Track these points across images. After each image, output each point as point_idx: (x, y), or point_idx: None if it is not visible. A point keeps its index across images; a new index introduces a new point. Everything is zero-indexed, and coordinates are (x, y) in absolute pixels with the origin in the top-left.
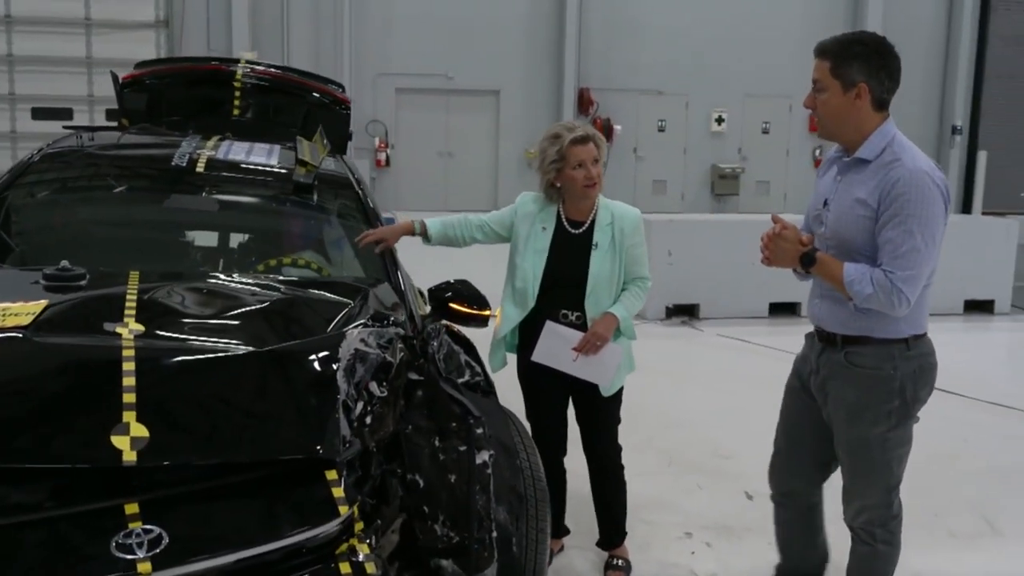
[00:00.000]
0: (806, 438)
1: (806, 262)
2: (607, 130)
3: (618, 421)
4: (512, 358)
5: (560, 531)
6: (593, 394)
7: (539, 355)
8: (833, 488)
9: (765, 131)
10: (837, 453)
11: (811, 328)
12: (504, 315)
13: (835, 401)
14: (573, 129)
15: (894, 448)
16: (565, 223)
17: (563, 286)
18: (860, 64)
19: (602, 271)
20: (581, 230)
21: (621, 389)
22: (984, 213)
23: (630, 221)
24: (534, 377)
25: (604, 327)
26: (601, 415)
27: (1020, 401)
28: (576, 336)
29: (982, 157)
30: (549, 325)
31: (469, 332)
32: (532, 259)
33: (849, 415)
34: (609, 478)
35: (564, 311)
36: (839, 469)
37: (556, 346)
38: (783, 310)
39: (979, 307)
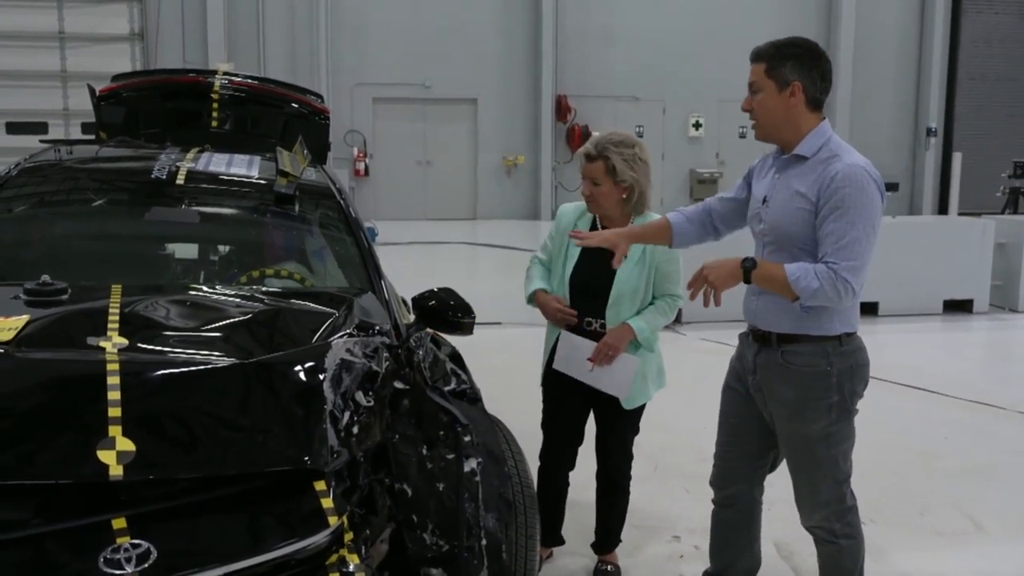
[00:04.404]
0: (749, 438)
1: (748, 265)
2: (585, 137)
3: (635, 432)
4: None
5: (555, 540)
6: (614, 406)
7: (559, 363)
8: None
9: (742, 135)
10: (783, 453)
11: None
12: (549, 326)
13: (775, 401)
14: (592, 145)
15: (839, 443)
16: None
17: (589, 295)
18: (793, 64)
19: (627, 283)
20: None
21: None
22: (960, 214)
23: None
24: (556, 388)
25: (616, 338)
26: (618, 425)
27: (999, 399)
28: (591, 346)
29: (957, 158)
30: (564, 335)
31: (454, 340)
32: (565, 266)
33: (791, 413)
34: (615, 486)
35: (588, 319)
36: (787, 473)
37: (572, 355)
38: None
39: (958, 307)
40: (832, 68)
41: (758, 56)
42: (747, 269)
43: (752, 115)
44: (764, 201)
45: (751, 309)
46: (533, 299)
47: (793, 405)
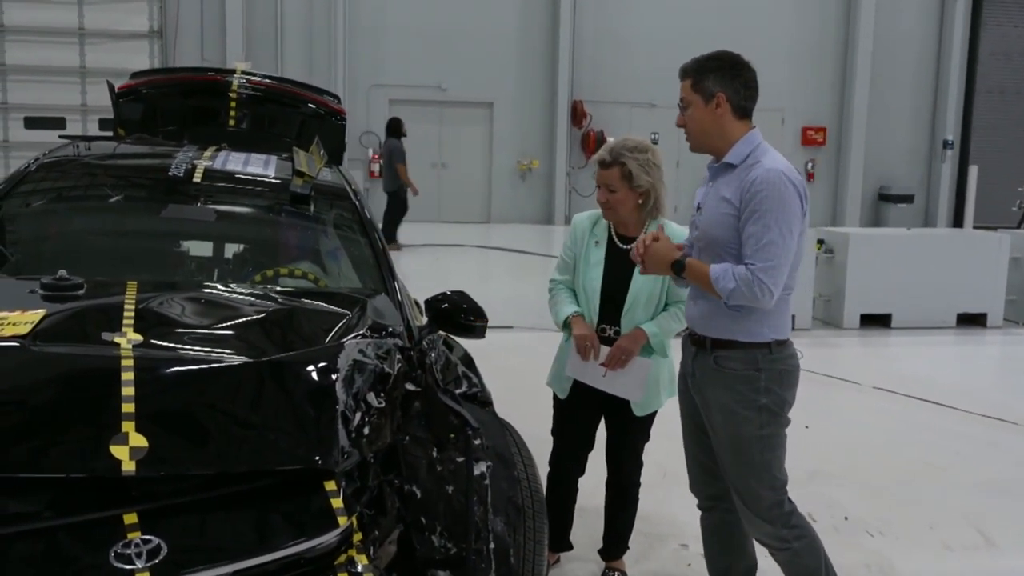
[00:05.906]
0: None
1: (677, 268)
2: (600, 143)
3: (646, 439)
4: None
5: (563, 546)
6: (626, 413)
7: (571, 370)
8: None
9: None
10: (722, 465)
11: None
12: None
13: (711, 405)
14: (606, 152)
15: (773, 448)
16: (615, 238)
17: (607, 300)
18: (716, 76)
19: (642, 289)
20: (630, 246)
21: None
22: (976, 227)
23: (677, 242)
24: (568, 393)
25: (629, 341)
26: (630, 432)
27: (1011, 413)
28: (604, 351)
29: (973, 171)
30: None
31: (466, 343)
32: (591, 273)
33: (724, 417)
34: (624, 493)
35: (603, 325)
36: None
37: (585, 361)
38: None
39: (972, 320)
40: (756, 77)
41: (684, 73)
42: (677, 270)
43: (685, 129)
44: (698, 209)
45: (690, 314)
46: (567, 324)
47: (726, 408)
